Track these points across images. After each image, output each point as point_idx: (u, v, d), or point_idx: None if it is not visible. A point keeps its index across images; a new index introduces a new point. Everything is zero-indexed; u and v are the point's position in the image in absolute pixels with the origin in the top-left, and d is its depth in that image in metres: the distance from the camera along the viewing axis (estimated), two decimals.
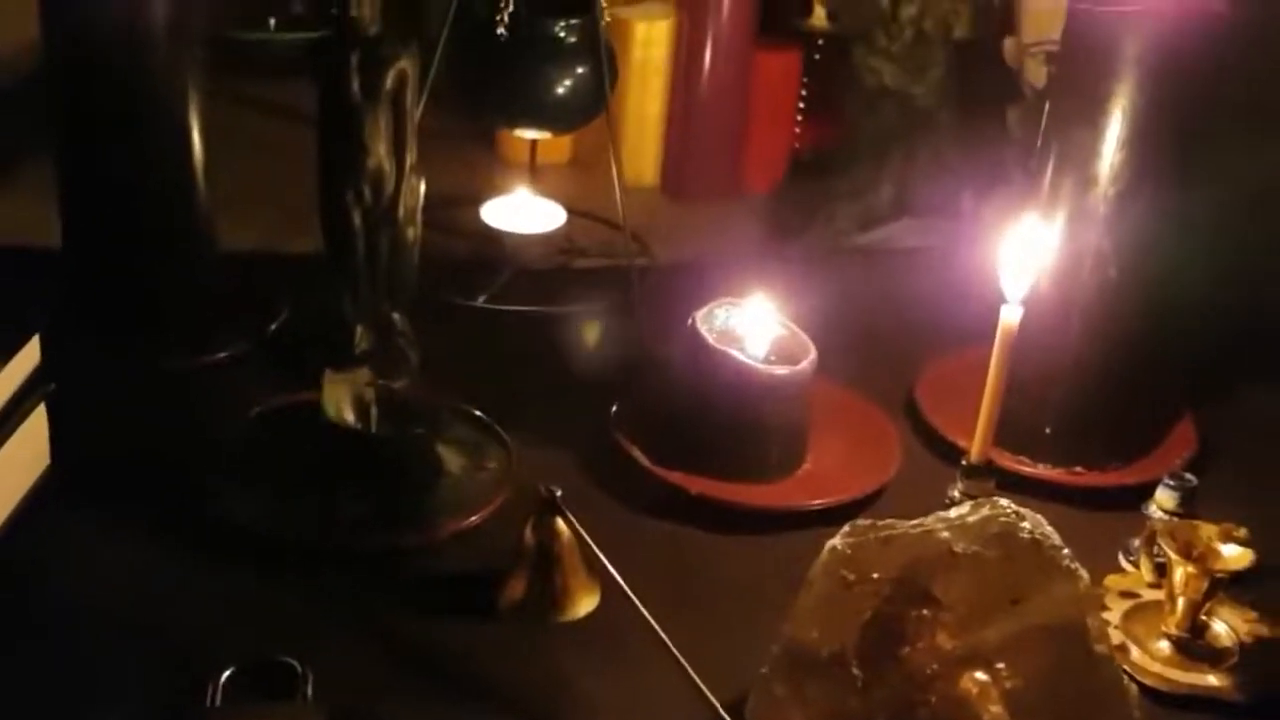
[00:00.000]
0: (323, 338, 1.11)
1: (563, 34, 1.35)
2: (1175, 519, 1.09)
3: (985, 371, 1.07)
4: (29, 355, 1.05)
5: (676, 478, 1.15)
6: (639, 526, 1.13)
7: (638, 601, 0.95)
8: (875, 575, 0.91)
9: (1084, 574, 0.90)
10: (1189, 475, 1.12)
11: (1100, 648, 0.87)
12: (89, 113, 1.24)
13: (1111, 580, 1.10)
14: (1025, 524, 0.91)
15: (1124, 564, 1.12)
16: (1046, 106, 1.20)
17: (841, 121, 1.65)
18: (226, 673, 0.92)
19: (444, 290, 1.36)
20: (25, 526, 1.05)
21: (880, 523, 0.94)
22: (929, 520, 0.93)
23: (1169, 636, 1.04)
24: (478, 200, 1.49)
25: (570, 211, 1.49)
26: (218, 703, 0.91)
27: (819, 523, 1.12)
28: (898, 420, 1.28)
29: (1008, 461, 1.19)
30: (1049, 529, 0.91)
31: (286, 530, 1.06)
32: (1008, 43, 1.64)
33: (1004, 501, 0.93)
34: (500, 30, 1.33)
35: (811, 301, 1.26)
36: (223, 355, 1.27)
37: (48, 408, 1.07)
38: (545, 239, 1.45)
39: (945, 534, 0.91)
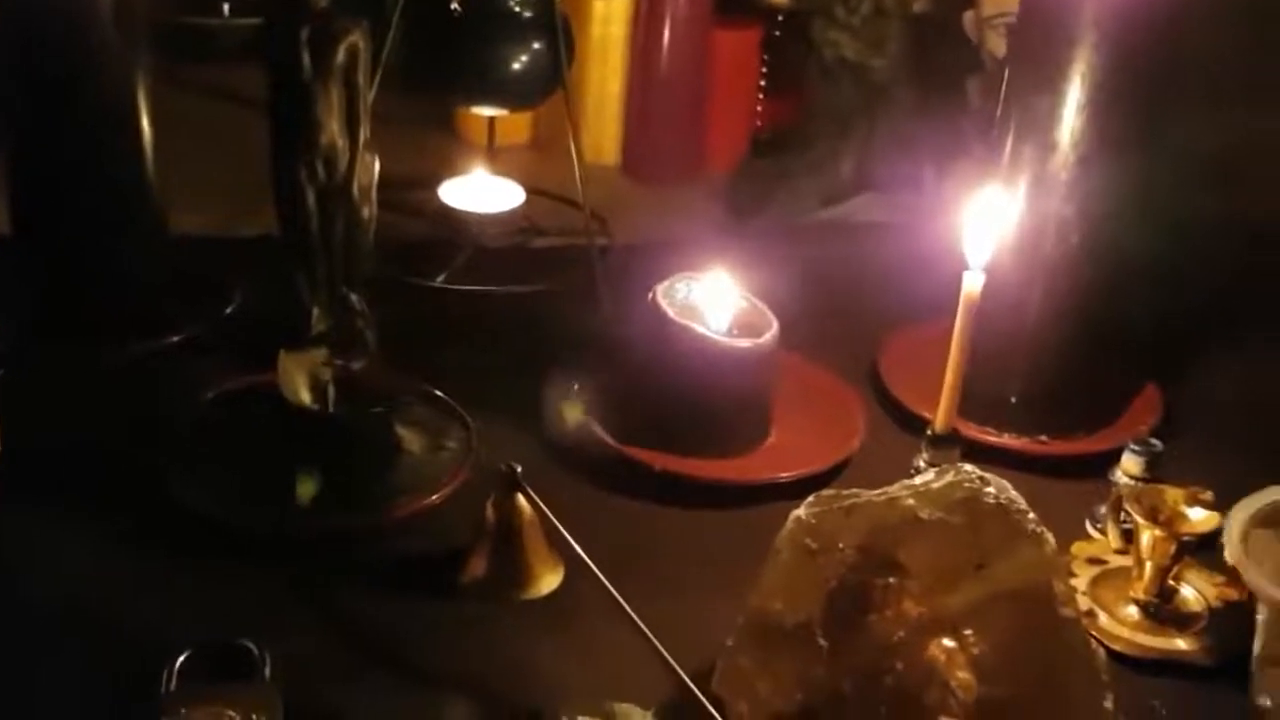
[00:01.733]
0: (279, 319, 1.09)
1: (517, 9, 1.33)
2: (1141, 484, 1.08)
3: (948, 343, 1.07)
4: None
5: (641, 454, 1.14)
6: (603, 504, 1.12)
7: (601, 576, 0.94)
8: (840, 545, 0.90)
9: (1050, 538, 0.89)
10: (1154, 440, 1.11)
11: (1067, 611, 0.87)
12: (36, 98, 1.22)
13: (1078, 547, 1.09)
14: (990, 489, 0.90)
15: (1091, 531, 1.12)
16: (1006, 75, 1.19)
17: (802, 97, 1.64)
18: (182, 657, 0.90)
19: (402, 270, 1.35)
20: None
21: (844, 492, 0.93)
22: (894, 488, 0.93)
23: (1137, 602, 1.04)
24: (436, 182, 1.47)
25: (529, 191, 1.47)
26: (173, 687, 0.89)
27: (784, 496, 1.10)
28: (862, 392, 1.27)
29: (973, 431, 1.19)
30: (1014, 494, 0.91)
31: (243, 514, 1.04)
32: (968, 16, 1.63)
33: (969, 467, 0.92)
34: (454, 5, 1.31)
35: (774, 276, 1.25)
36: (177, 339, 1.25)
37: None
38: (504, 218, 1.44)
39: (910, 501, 0.90)
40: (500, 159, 1.50)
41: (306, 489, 1.06)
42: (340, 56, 1.03)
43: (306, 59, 1.02)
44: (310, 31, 1.02)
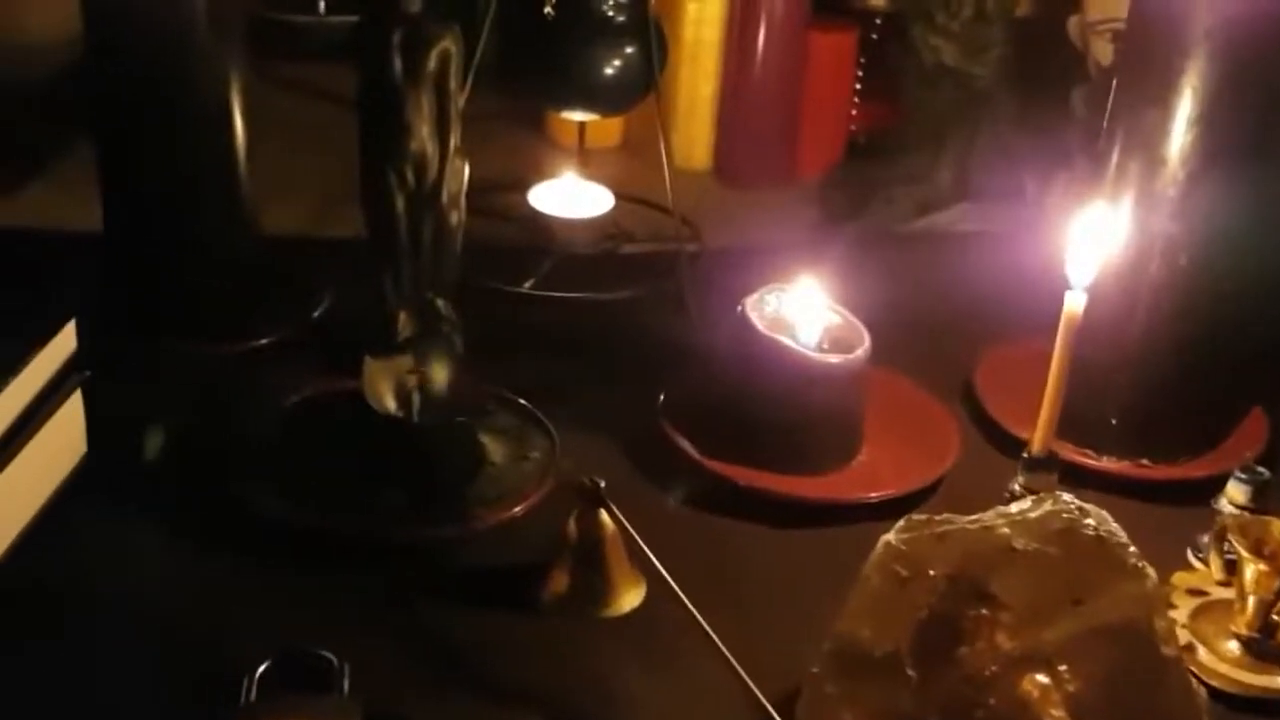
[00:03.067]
0: (367, 323, 1.08)
1: (610, 13, 1.31)
2: (1246, 514, 1.04)
3: (1047, 361, 1.03)
4: (64, 341, 1.03)
5: (725, 469, 1.12)
6: (686, 519, 1.10)
7: (684, 596, 0.92)
8: (931, 572, 0.87)
9: (1151, 572, 0.86)
10: (1261, 469, 1.07)
11: (1168, 650, 0.83)
12: (129, 97, 1.22)
13: (1179, 577, 1.06)
14: (1089, 520, 0.87)
15: (1192, 560, 1.08)
16: (1113, 86, 1.15)
17: (899, 103, 1.61)
18: (262, 666, 0.90)
19: (489, 275, 1.34)
20: (61, 515, 1.03)
21: (937, 518, 0.91)
22: (988, 515, 0.90)
23: (1238, 636, 1.00)
24: (525, 184, 1.46)
25: (619, 196, 1.46)
26: (253, 697, 0.88)
27: (873, 516, 1.08)
28: (956, 410, 1.24)
29: (1071, 454, 1.15)
30: (1114, 525, 0.87)
31: (325, 521, 1.03)
32: (1072, 21, 1.59)
33: (1067, 496, 0.89)
34: (547, 9, 1.29)
35: (867, 287, 1.22)
36: (265, 341, 1.25)
37: (84, 395, 1.06)
38: (593, 224, 1.42)
39: (1005, 530, 0.88)
40: (591, 162, 1.48)
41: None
42: (432, 62, 1.02)
43: (398, 64, 1.02)
44: (402, 36, 1.02)
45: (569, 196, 1.43)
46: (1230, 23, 1.06)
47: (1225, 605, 1.02)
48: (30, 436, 1.00)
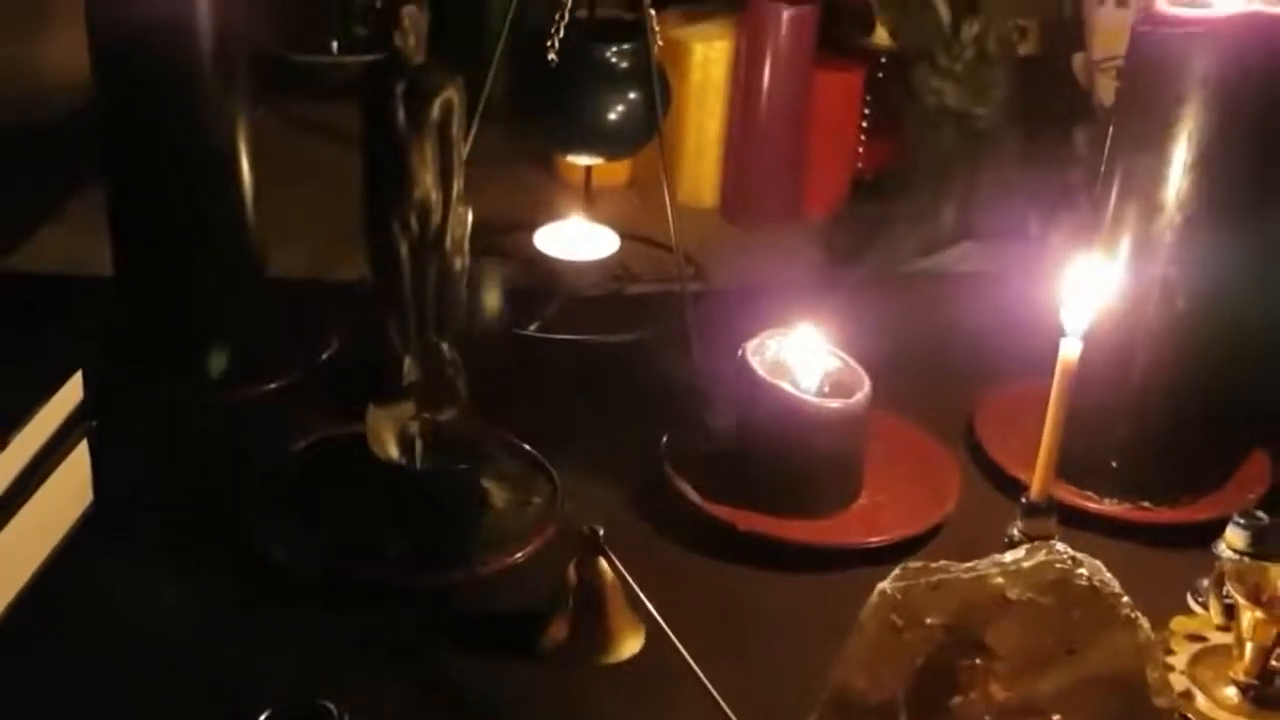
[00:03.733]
0: (373, 366, 1.10)
1: (614, 60, 1.33)
2: (1245, 559, 1.04)
3: (1046, 402, 1.04)
4: (71, 391, 1.05)
5: (726, 514, 1.12)
6: (687, 563, 1.11)
7: (680, 646, 0.93)
8: (926, 621, 0.88)
9: (1144, 623, 0.86)
10: (1260, 514, 1.07)
11: (1161, 701, 0.84)
12: (137, 139, 1.24)
13: (1178, 622, 1.06)
14: (1082, 570, 0.87)
15: (1192, 605, 1.08)
16: (1110, 130, 1.16)
17: (904, 142, 1.61)
18: (263, 716, 0.91)
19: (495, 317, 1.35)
20: (68, 562, 1.04)
21: (932, 565, 0.91)
22: (983, 564, 0.90)
23: (1237, 683, 1.00)
24: (532, 224, 1.47)
25: (625, 236, 1.47)
26: None
27: (874, 561, 1.09)
28: (957, 452, 1.24)
29: (1071, 496, 1.16)
30: (1108, 575, 0.87)
31: (328, 567, 1.04)
32: (1077, 58, 1.60)
33: (1061, 546, 0.89)
34: (551, 56, 1.31)
35: (870, 327, 1.23)
36: (272, 386, 1.26)
37: (90, 443, 1.07)
38: (599, 265, 1.43)
39: (999, 579, 0.88)
40: (598, 201, 1.49)
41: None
42: (435, 112, 1.04)
43: (402, 113, 1.03)
44: (406, 86, 1.03)
45: (575, 238, 1.45)
46: (1226, 70, 1.07)
47: (1224, 651, 1.02)
48: (37, 487, 1.01)
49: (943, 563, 0.91)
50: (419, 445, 1.09)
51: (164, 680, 0.96)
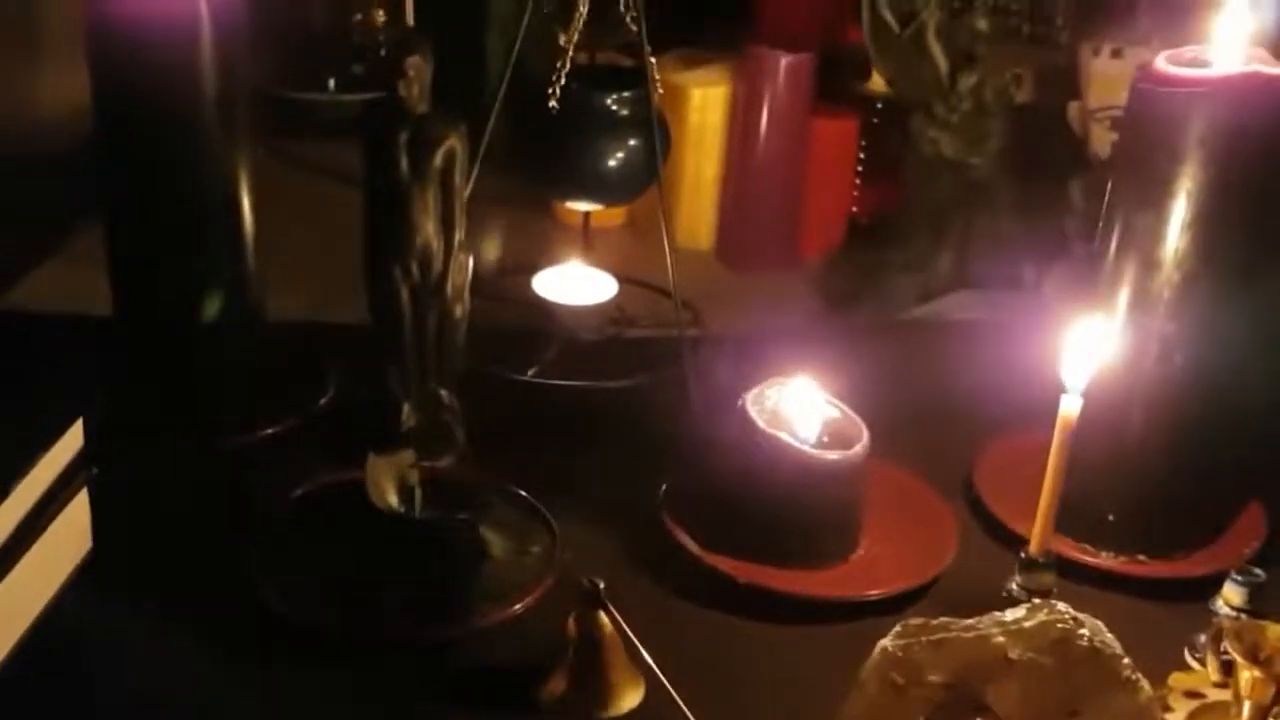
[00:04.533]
0: (372, 411, 1.09)
1: (615, 107, 1.33)
2: (1242, 617, 1.05)
3: (1045, 453, 1.04)
4: (72, 440, 1.04)
5: (725, 564, 1.12)
6: (686, 615, 1.11)
7: (680, 701, 0.93)
8: (928, 679, 0.88)
9: (1145, 685, 0.86)
10: (1257, 570, 1.07)
11: None
12: (136, 179, 1.24)
13: (1176, 678, 1.06)
14: (1084, 630, 0.88)
15: (1190, 661, 1.08)
16: (1109, 185, 1.17)
17: (899, 186, 1.62)
18: None
19: (492, 362, 1.35)
20: (65, 611, 1.04)
21: (933, 622, 0.91)
22: (984, 622, 0.90)
23: None
24: (531, 267, 1.47)
25: (623, 280, 1.47)
26: None
27: (873, 613, 1.09)
28: (955, 503, 1.24)
29: (1068, 549, 1.16)
30: (1109, 636, 0.88)
31: (325, 618, 1.04)
32: (1073, 107, 1.61)
33: (1062, 606, 0.89)
34: (552, 103, 1.31)
35: (867, 375, 1.23)
36: (270, 431, 1.26)
37: (90, 490, 1.07)
38: (597, 310, 1.43)
39: (1000, 639, 0.88)
40: (595, 242, 1.49)
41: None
42: (438, 160, 1.04)
43: (404, 162, 1.03)
44: (408, 135, 1.03)
45: (573, 283, 1.45)
46: (1225, 130, 1.07)
47: (1223, 708, 1.02)
48: (37, 536, 1.00)
49: (943, 620, 0.92)
50: (418, 494, 1.09)
51: None
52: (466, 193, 1.08)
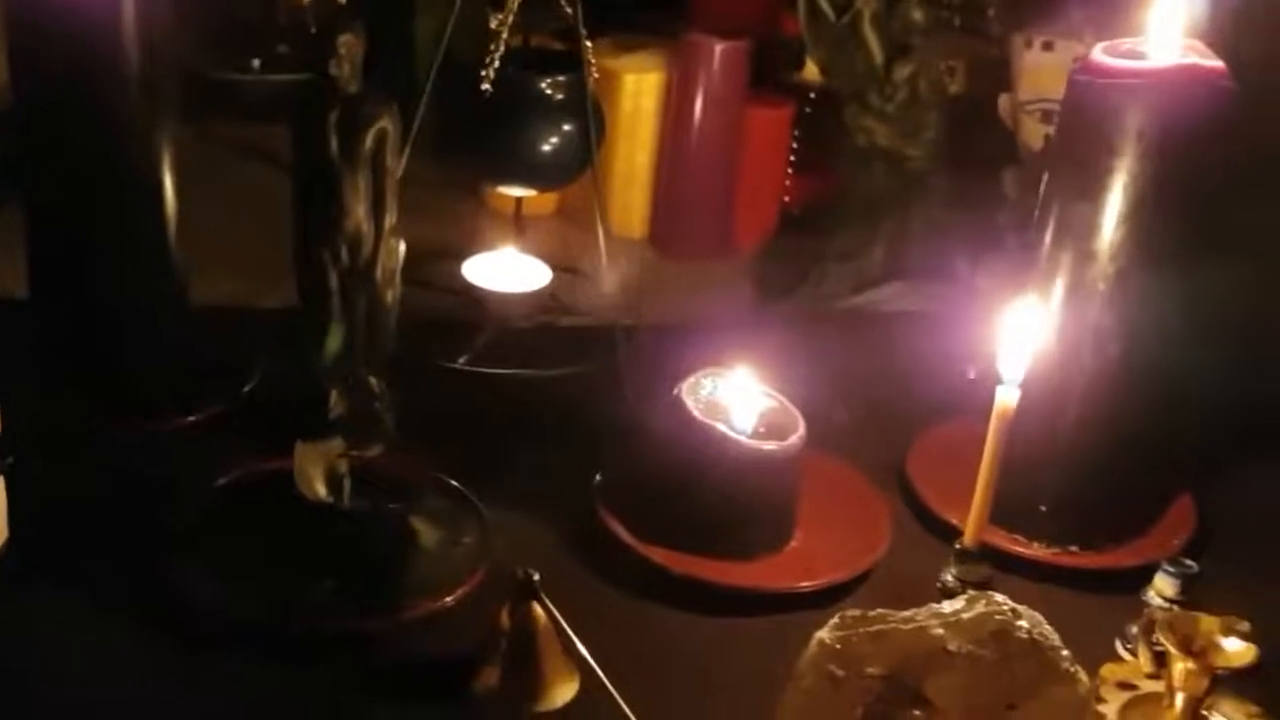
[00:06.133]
0: (299, 398, 1.07)
1: (549, 91, 1.31)
2: (1175, 608, 1.05)
3: (980, 443, 1.04)
4: None
5: (660, 555, 1.11)
6: (620, 607, 1.09)
7: (615, 693, 0.91)
8: (865, 672, 0.87)
9: (1083, 676, 0.86)
10: (1189, 561, 1.08)
11: None
12: (56, 162, 1.20)
13: (1108, 670, 1.06)
14: (1023, 622, 0.87)
15: (1122, 652, 1.09)
16: (1045, 177, 1.17)
17: (833, 176, 1.62)
18: None
19: (422, 349, 1.33)
20: None
21: (870, 614, 0.91)
22: (922, 614, 0.90)
23: None
24: (461, 253, 1.45)
25: (555, 267, 1.45)
26: None
27: (807, 605, 1.08)
28: (889, 493, 1.24)
29: (1002, 540, 1.16)
30: (1047, 628, 0.88)
31: (251, 611, 1.02)
32: (1003, 99, 1.61)
33: (1000, 597, 0.89)
34: (485, 86, 1.29)
35: (800, 365, 1.22)
36: (193, 419, 1.23)
37: (6, 479, 1.03)
38: (529, 297, 1.42)
39: (939, 631, 0.88)
40: (527, 230, 1.48)
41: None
42: (369, 141, 1.01)
43: (334, 143, 1.01)
44: (339, 115, 1.01)
45: (505, 269, 1.43)
46: (1161, 122, 1.08)
47: (1155, 699, 1.02)
48: None
49: (881, 611, 0.91)
50: (347, 484, 1.07)
51: None
52: (398, 175, 1.06)
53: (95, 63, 1.17)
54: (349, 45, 1.01)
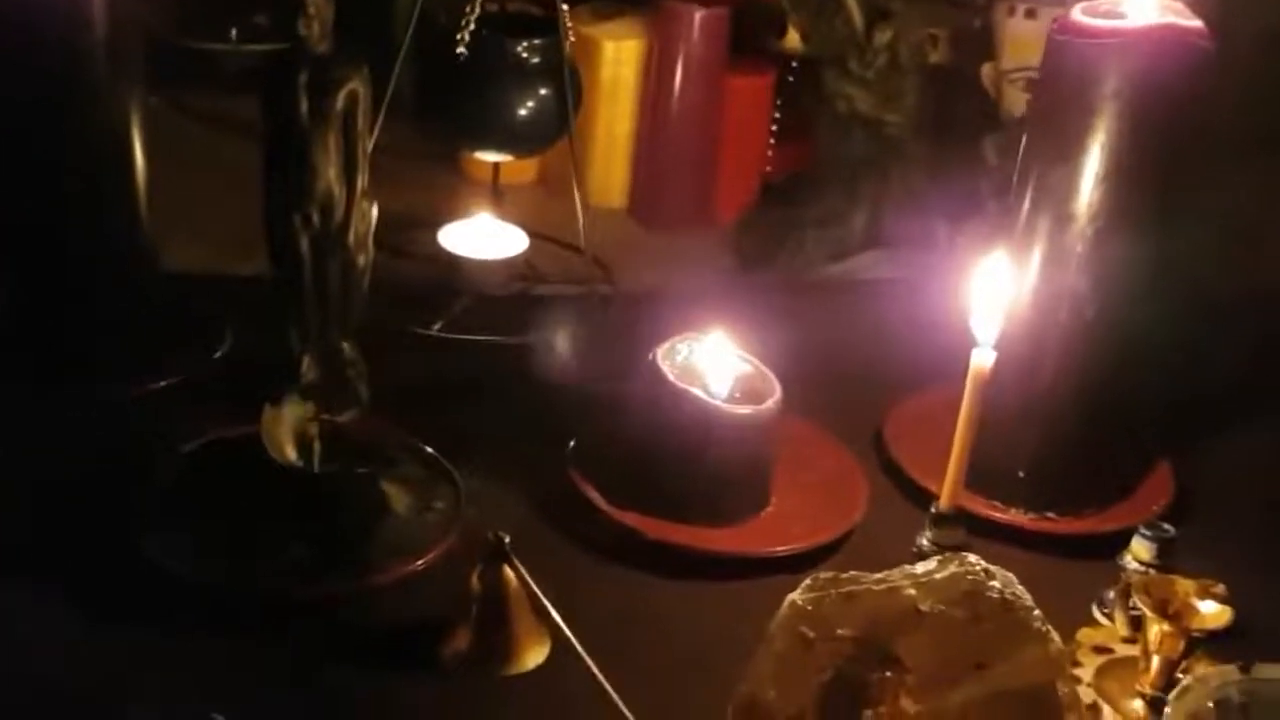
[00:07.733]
0: (270, 364, 1.06)
1: (525, 55, 1.30)
2: (1151, 571, 1.04)
3: (956, 410, 1.03)
4: None
5: (633, 520, 1.10)
6: (593, 571, 1.09)
7: (587, 657, 0.91)
8: (837, 633, 0.86)
9: (1055, 637, 0.85)
10: (1166, 525, 1.07)
11: (1071, 717, 0.83)
12: (22, 126, 1.18)
13: (1084, 634, 1.06)
14: (995, 583, 0.86)
15: (1098, 616, 1.08)
16: (1023, 140, 1.16)
17: (814, 146, 1.61)
18: None
19: (397, 316, 1.31)
20: None
21: (843, 576, 0.90)
22: (894, 575, 0.89)
23: (1144, 695, 1.00)
24: (438, 222, 1.44)
25: (533, 235, 1.44)
26: None
27: (782, 569, 1.07)
28: (865, 459, 1.23)
29: (978, 506, 1.15)
30: (1019, 588, 0.87)
31: (221, 575, 1.01)
32: (986, 68, 1.60)
33: (973, 558, 0.88)
34: (461, 50, 1.28)
35: (778, 333, 1.22)
36: (163, 384, 1.22)
37: None
38: (505, 265, 1.40)
39: (911, 591, 0.87)
40: (505, 198, 1.46)
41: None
42: (340, 103, 1.00)
43: (304, 105, 0.99)
44: (309, 76, 0.99)
45: (482, 237, 1.42)
46: (1139, 82, 1.07)
47: (1131, 663, 1.02)
48: None
49: (853, 573, 0.90)
50: (317, 447, 1.06)
51: (40, 692, 0.91)
52: (371, 140, 1.05)
53: (63, 29, 1.16)
54: (318, 4, 0.99)
